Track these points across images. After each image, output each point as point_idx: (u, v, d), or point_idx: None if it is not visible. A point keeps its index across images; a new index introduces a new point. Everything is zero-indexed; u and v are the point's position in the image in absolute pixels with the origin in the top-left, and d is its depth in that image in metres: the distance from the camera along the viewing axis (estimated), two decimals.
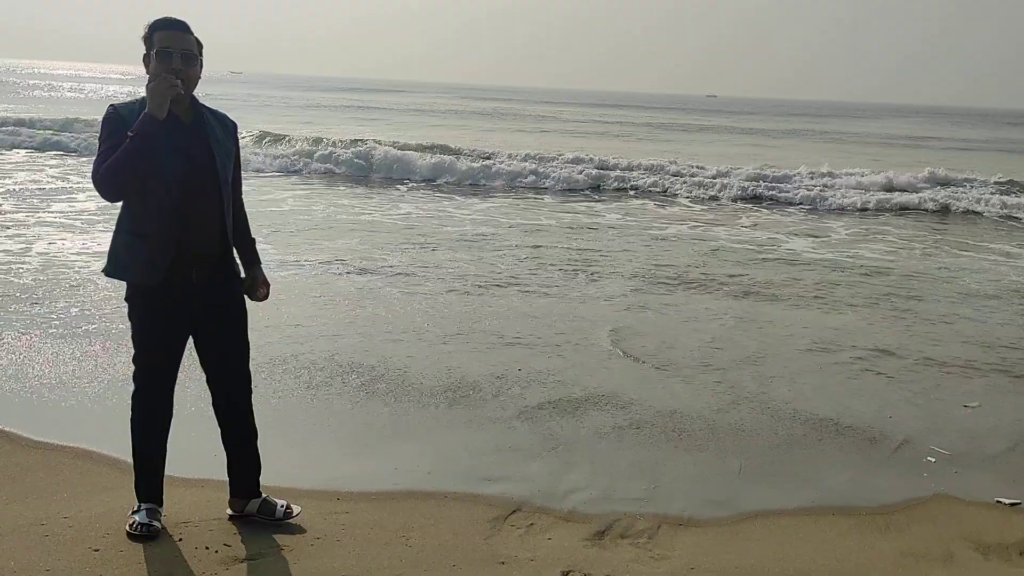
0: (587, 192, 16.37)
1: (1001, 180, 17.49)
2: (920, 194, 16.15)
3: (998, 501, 3.86)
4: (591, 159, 18.81)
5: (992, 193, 16.24)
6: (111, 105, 2.96)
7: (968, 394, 5.32)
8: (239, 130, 3.24)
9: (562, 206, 14.12)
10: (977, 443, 4.55)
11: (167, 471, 3.21)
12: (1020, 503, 3.84)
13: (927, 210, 15.24)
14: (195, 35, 2.98)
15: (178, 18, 2.94)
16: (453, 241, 10.02)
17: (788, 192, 16.17)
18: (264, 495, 3.32)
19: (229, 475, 3.33)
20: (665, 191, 16.52)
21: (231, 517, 3.31)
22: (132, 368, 3.10)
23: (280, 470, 3.61)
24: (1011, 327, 7.06)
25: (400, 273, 8.04)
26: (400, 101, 62.55)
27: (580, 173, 17.29)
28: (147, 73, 2.91)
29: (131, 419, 3.12)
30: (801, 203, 15.55)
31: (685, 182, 16.93)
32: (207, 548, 3.06)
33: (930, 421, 4.85)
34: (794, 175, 17.29)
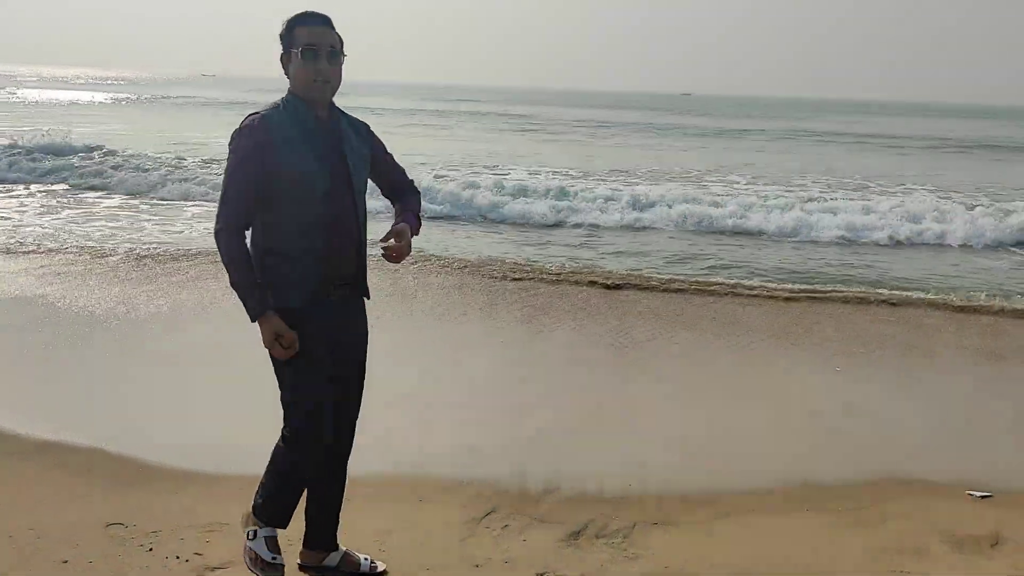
0: None
1: None
2: None
3: (969, 494, 3.89)
4: None
5: None
6: (252, 116, 2.60)
7: None
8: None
9: None
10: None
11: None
12: (991, 495, 3.87)
13: None
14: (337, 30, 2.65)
15: (320, 11, 2.61)
16: None
17: None
18: (344, 548, 3.00)
19: (307, 523, 2.96)
20: None
21: (300, 567, 2.96)
22: (286, 406, 2.73)
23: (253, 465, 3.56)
24: None
25: None
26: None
27: None
28: (285, 75, 2.63)
29: (286, 453, 2.76)
30: None
31: None
32: (178, 558, 3.02)
33: None
34: None
